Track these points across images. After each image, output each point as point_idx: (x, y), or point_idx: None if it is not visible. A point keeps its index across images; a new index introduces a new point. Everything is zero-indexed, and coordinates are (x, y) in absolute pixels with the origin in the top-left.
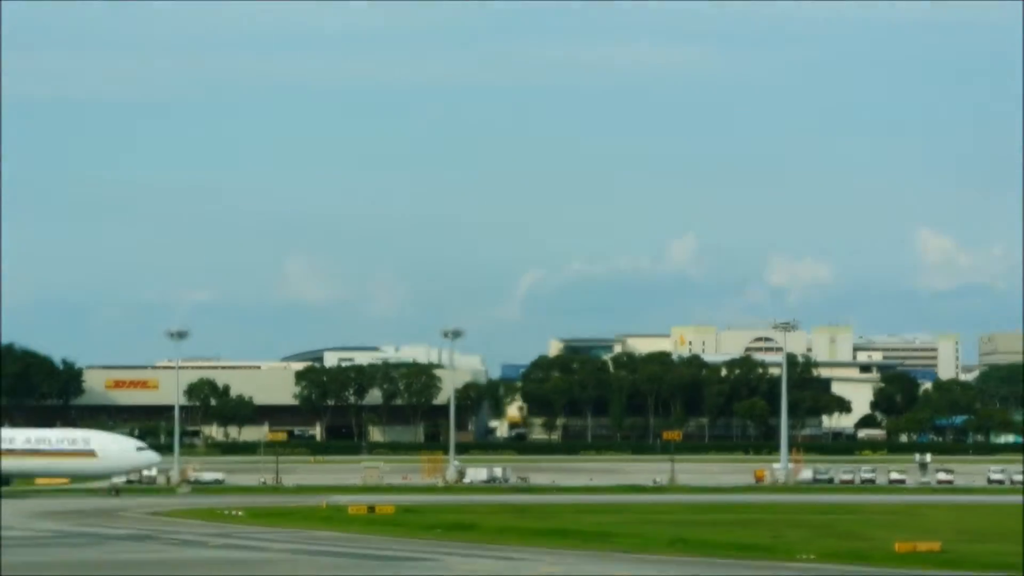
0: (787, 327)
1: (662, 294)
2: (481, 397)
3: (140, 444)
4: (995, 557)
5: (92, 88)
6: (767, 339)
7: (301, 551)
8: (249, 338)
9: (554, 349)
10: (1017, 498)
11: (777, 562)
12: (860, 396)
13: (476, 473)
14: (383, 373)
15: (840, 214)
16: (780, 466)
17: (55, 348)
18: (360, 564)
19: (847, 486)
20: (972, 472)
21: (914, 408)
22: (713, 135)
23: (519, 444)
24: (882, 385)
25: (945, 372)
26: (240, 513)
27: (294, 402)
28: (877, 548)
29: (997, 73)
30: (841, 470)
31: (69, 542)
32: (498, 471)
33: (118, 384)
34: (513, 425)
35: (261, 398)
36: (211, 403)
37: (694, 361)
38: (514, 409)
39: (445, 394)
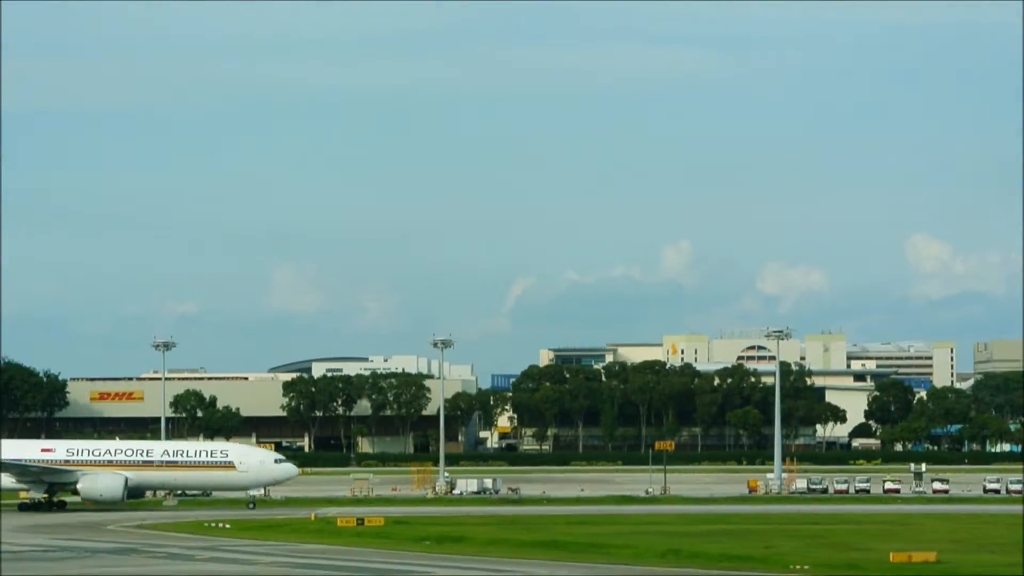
0: (780, 335)
1: (654, 303)
2: (471, 407)
3: (278, 456)
4: (992, 568)
5: (73, 95)
6: (760, 348)
7: (289, 564)
8: (236, 349)
9: (545, 359)
10: (1014, 507)
11: (771, 573)
12: (854, 405)
13: (466, 484)
14: (372, 384)
15: (834, 221)
16: (774, 476)
17: (38, 360)
18: None
19: (842, 496)
20: (968, 482)
21: (909, 417)
22: (707, 141)
23: (510, 455)
24: (876, 394)
25: (940, 380)
26: (227, 526)
27: (282, 413)
28: (872, 559)
29: (995, 76)
30: (835, 480)
31: (53, 556)
32: (488, 482)
33: (103, 396)
34: (504, 435)
35: (248, 409)
36: (197, 415)
37: (686, 370)
38: (504, 419)
39: (435, 404)
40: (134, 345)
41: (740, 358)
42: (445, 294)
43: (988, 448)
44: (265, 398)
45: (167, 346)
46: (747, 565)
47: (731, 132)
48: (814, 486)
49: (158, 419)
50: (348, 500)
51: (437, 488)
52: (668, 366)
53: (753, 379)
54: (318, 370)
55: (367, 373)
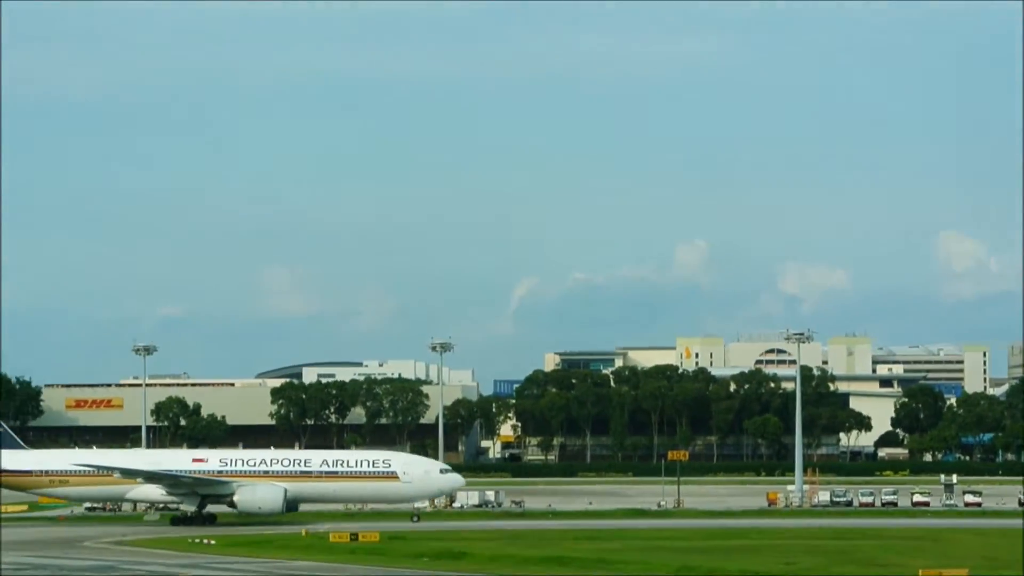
0: (801, 338)
1: (667, 303)
2: (472, 415)
3: (444, 465)
4: None
5: (49, 89)
6: (779, 351)
7: None
8: (221, 354)
9: (550, 363)
10: None
11: None
12: (880, 412)
13: (467, 497)
14: (366, 390)
15: (859, 216)
16: (794, 488)
17: (10, 366)
18: None
19: (867, 509)
20: (1002, 494)
21: (939, 425)
22: (723, 134)
23: (513, 465)
24: (904, 400)
25: (972, 386)
26: (212, 542)
27: (270, 422)
28: None
29: None
30: (860, 492)
31: (26, 575)
32: (490, 495)
33: (79, 404)
34: (506, 445)
35: (234, 418)
36: (180, 423)
37: (701, 375)
38: (507, 428)
39: (433, 412)
40: (113, 350)
41: (758, 362)
42: (444, 295)
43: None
44: (252, 406)
45: (148, 350)
46: None
47: (748, 125)
48: (838, 499)
49: (138, 428)
50: (341, 514)
51: (436, 501)
52: (682, 371)
53: (772, 385)
54: (309, 376)
55: (361, 379)
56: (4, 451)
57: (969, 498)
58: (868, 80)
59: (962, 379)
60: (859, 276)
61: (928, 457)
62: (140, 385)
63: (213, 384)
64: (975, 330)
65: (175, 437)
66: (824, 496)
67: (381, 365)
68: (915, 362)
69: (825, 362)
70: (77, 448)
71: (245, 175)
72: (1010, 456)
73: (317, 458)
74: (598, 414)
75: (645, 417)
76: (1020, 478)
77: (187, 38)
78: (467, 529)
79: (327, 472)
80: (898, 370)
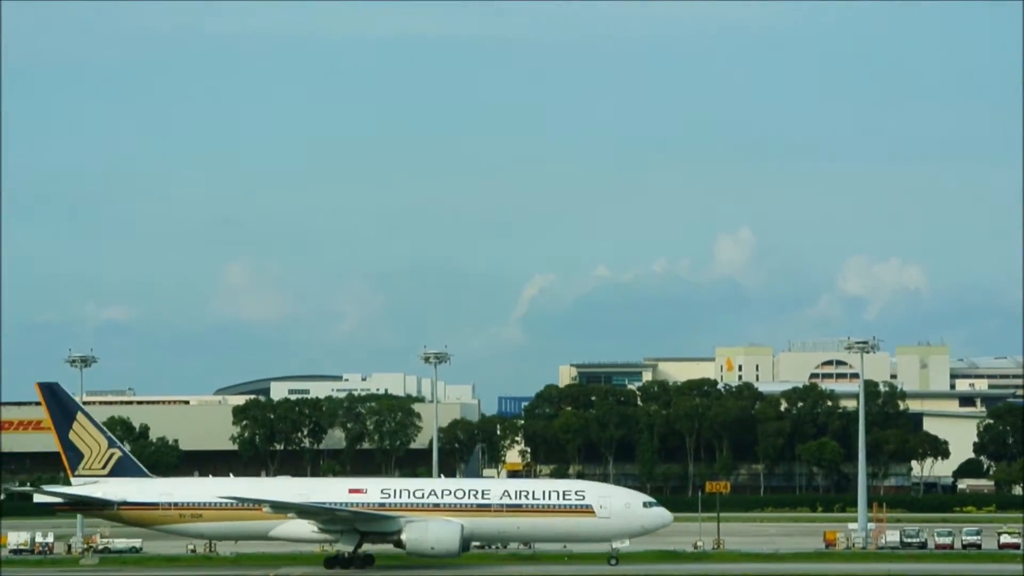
0: (865, 347)
1: (705, 306)
2: (472, 438)
3: (647, 498)
4: None
5: None
6: (839, 363)
7: None
8: (174, 366)
9: (566, 377)
10: None
11: None
12: (960, 436)
13: None
14: (347, 409)
15: (935, 204)
16: (857, 526)
17: None
18: None
19: (945, 553)
20: None
21: None
22: (774, 107)
23: None
24: (989, 422)
25: None
26: None
27: (232, 446)
28: None
29: None
30: (936, 531)
31: None
32: None
33: (4, 426)
34: (514, 474)
35: (190, 441)
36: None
37: (745, 391)
38: (514, 454)
39: (426, 435)
40: (44, 361)
41: (814, 376)
42: (439, 295)
43: None
44: (211, 427)
45: (86, 361)
46: None
47: (803, 98)
48: (909, 539)
49: None
50: (318, 556)
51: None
52: (722, 386)
53: (830, 403)
54: (278, 391)
55: (341, 395)
56: (126, 480)
57: None
58: (966, 43)
59: None
60: (935, 274)
61: (1018, 490)
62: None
63: (164, 402)
64: None
65: None
66: (893, 536)
67: (364, 379)
68: (1001, 376)
69: (894, 376)
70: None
71: (202, 156)
72: None
73: (497, 488)
74: (622, 437)
75: (678, 441)
76: None
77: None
78: (467, 575)
79: (509, 505)
80: (981, 386)
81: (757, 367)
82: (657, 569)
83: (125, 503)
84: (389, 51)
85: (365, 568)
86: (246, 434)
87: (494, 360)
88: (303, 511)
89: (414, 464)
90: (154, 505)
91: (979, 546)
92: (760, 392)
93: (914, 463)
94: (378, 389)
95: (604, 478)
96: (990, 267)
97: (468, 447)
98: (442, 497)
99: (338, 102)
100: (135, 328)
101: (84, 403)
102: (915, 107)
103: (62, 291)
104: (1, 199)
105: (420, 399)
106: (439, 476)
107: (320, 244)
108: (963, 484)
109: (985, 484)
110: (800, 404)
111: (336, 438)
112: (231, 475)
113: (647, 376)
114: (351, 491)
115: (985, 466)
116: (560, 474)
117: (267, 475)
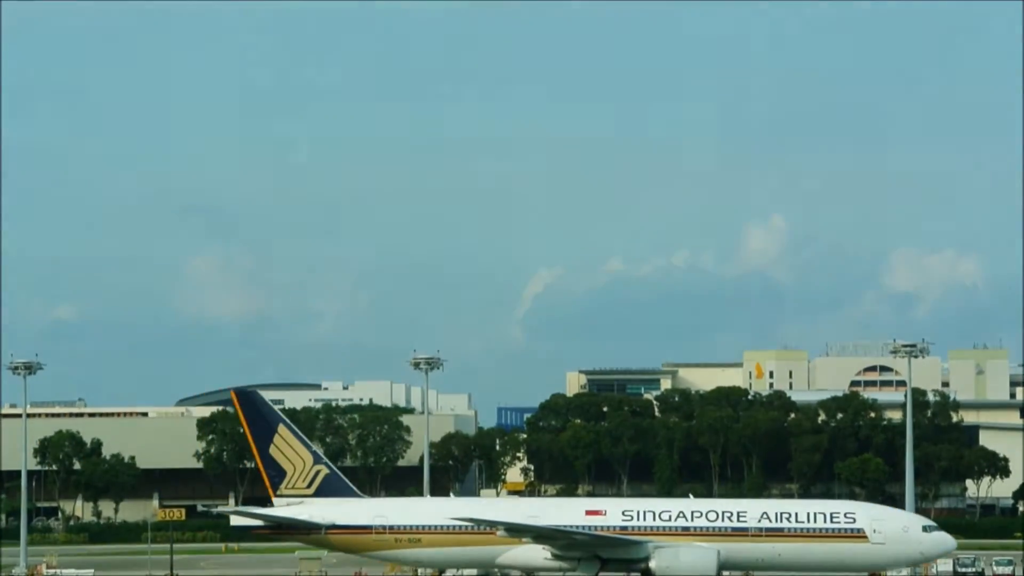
0: (914, 351)
1: (732, 304)
2: (469, 454)
3: (927, 521)
4: None
5: None
6: (884, 369)
7: None
8: (131, 372)
9: (574, 385)
10: None
11: None
12: (1022, 451)
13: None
14: (325, 421)
15: (992, 189)
16: None
17: None
18: None
19: None
20: None
21: None
22: (808, 76)
23: None
24: None
25: None
26: None
27: (196, 464)
28: None
29: None
30: (995, 560)
31: None
32: None
33: None
34: (515, 494)
35: (148, 458)
36: (74, 467)
37: (777, 401)
38: (516, 471)
39: (416, 450)
40: None
41: (855, 384)
42: (431, 293)
43: None
44: (172, 442)
45: (30, 368)
46: None
47: (846, 70)
48: (964, 569)
49: (16, 473)
50: None
51: (420, 570)
52: (751, 395)
53: (874, 414)
54: None
55: (319, 406)
56: (334, 500)
57: None
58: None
59: None
60: (994, 267)
61: None
62: (19, 415)
63: (119, 414)
64: None
65: (67, 485)
66: (946, 567)
67: (346, 388)
68: None
69: (946, 384)
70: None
71: (160, 133)
72: None
73: (754, 510)
74: (638, 453)
75: (702, 457)
76: None
77: None
78: None
79: (768, 529)
80: None
81: (791, 374)
82: None
83: (334, 527)
84: (377, 25)
85: None
86: (212, 450)
87: (493, 366)
88: (541, 535)
89: (402, 483)
90: (367, 529)
91: None
92: (794, 402)
93: (969, 482)
94: (361, 399)
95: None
96: None
97: (464, 464)
98: (692, 520)
99: (318, 75)
100: (86, 330)
101: (28, 415)
102: (977, 83)
103: (2, 288)
104: None
105: (409, 410)
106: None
107: (296, 234)
108: None
109: None
110: (839, 415)
111: None
112: (195, 497)
113: (666, 384)
114: (588, 512)
115: None
116: (568, 494)
117: (236, 497)
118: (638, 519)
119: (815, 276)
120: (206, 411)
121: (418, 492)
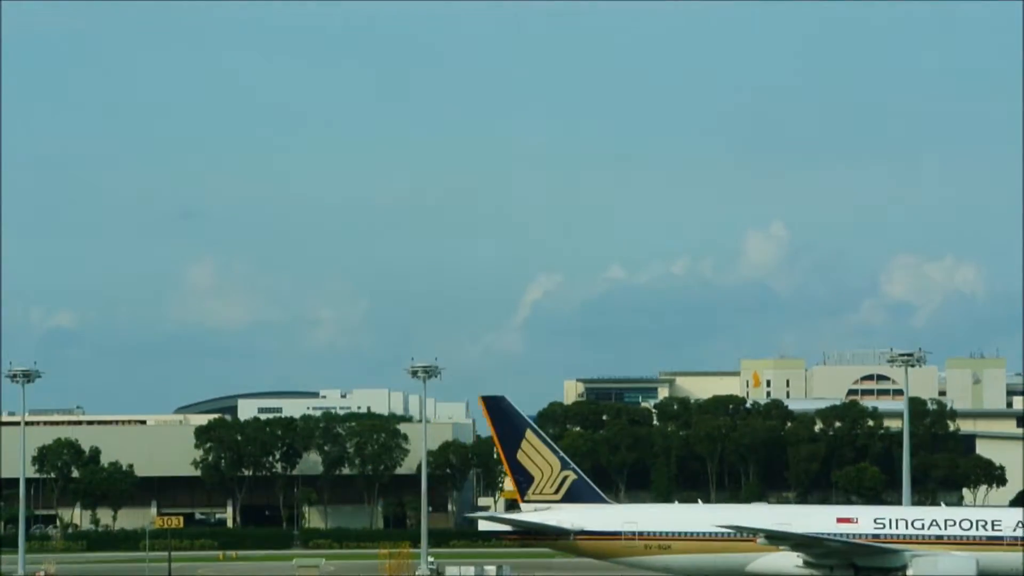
0: (911, 360)
1: (730, 312)
2: (466, 463)
3: None
4: None
5: None
6: (881, 378)
7: None
8: (129, 380)
9: (571, 393)
10: None
11: None
12: (1019, 461)
13: (460, 573)
14: (323, 429)
15: (992, 195)
16: None
17: None
18: None
19: None
20: None
21: None
22: (810, 83)
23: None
24: None
25: None
26: None
27: (194, 472)
28: None
29: None
30: None
31: None
32: (491, 570)
33: None
34: (512, 503)
35: (146, 466)
36: (72, 474)
37: (775, 410)
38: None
39: (414, 459)
40: None
41: (852, 393)
42: (429, 300)
43: None
44: (170, 450)
45: (29, 376)
46: None
47: (843, 78)
48: None
49: (14, 481)
50: None
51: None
52: (749, 404)
53: (871, 423)
54: (247, 410)
55: (317, 414)
56: (582, 506)
57: None
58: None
59: None
60: (991, 276)
61: None
62: (17, 423)
63: (117, 421)
64: None
65: (65, 494)
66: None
67: (344, 396)
68: None
69: (943, 392)
70: None
71: (159, 139)
72: None
73: (1009, 518)
74: (635, 462)
75: (699, 466)
76: None
77: None
78: None
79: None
80: None
81: (788, 382)
82: None
83: (582, 532)
84: (377, 27)
85: None
86: (210, 458)
87: (491, 374)
88: (801, 543)
89: (399, 492)
90: (615, 535)
91: None
92: (791, 410)
93: (966, 491)
94: (359, 407)
95: None
96: None
97: (461, 473)
98: (946, 528)
99: (317, 79)
100: (84, 337)
101: (26, 423)
102: (976, 89)
103: (1, 295)
104: None
105: (407, 418)
106: (428, 506)
107: (295, 241)
108: None
109: None
110: (837, 424)
111: (312, 462)
112: (193, 505)
113: (664, 393)
114: (839, 520)
115: None
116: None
117: (234, 505)
118: (890, 527)
119: (813, 284)
120: (204, 419)
121: (415, 501)
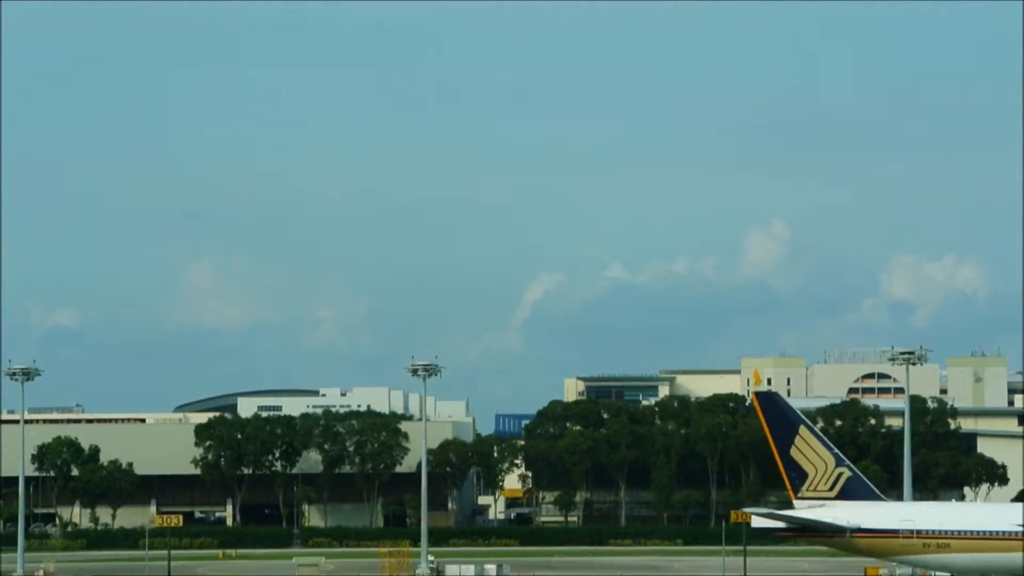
0: (912, 358)
1: (731, 311)
2: (467, 461)
3: None
4: None
5: None
6: (882, 376)
7: None
8: (129, 379)
9: (572, 392)
10: None
11: None
12: (1020, 459)
13: (460, 571)
14: (324, 428)
15: (993, 195)
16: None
17: None
18: None
19: None
20: None
21: None
22: (811, 85)
23: (521, 529)
24: None
25: None
26: None
27: (194, 471)
28: None
29: None
30: None
31: None
32: (492, 568)
33: None
34: (513, 502)
35: (146, 464)
36: (72, 473)
37: None
38: (514, 479)
39: (414, 457)
40: None
41: (853, 391)
42: (429, 301)
43: None
44: (170, 448)
45: (28, 374)
46: None
47: (845, 78)
48: None
49: (14, 479)
50: None
51: None
52: (750, 403)
53: (872, 421)
54: (246, 408)
55: (318, 412)
56: (857, 503)
57: None
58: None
59: None
60: (992, 275)
61: None
62: (17, 421)
63: (117, 420)
64: None
65: (65, 492)
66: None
67: (344, 394)
68: None
69: (944, 391)
70: None
71: (160, 139)
72: None
73: None
74: (636, 460)
75: (699, 464)
76: None
77: None
78: None
79: None
80: None
81: (789, 381)
82: None
83: (859, 530)
84: (377, 29)
85: None
86: (210, 456)
87: (491, 373)
88: None
89: (399, 490)
90: (893, 533)
91: None
92: None
93: (967, 490)
94: (359, 405)
95: (615, 506)
96: None
97: (461, 471)
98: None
99: (318, 80)
100: (84, 336)
101: (26, 421)
102: (977, 89)
103: (1, 294)
104: None
105: (407, 417)
106: (428, 505)
107: (295, 241)
108: None
109: None
110: (838, 423)
111: (312, 461)
112: (192, 503)
113: (664, 391)
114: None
115: None
116: (565, 500)
117: (234, 503)
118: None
119: (814, 283)
120: (203, 417)
121: (415, 500)
